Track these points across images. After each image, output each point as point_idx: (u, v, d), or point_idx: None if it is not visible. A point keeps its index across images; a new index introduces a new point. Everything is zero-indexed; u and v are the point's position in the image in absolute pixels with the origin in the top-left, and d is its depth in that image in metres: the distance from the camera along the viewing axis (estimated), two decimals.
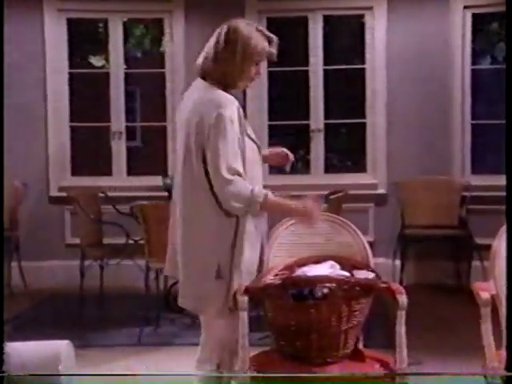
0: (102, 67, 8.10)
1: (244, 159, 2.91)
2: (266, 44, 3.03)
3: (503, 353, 2.79)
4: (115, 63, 6.91)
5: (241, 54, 2.98)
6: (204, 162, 2.89)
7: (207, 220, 2.92)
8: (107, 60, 7.18)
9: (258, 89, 6.68)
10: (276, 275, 2.89)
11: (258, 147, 3.06)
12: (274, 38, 3.05)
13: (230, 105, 2.91)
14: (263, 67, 3.13)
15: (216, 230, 2.91)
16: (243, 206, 2.85)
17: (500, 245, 2.97)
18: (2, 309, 2.69)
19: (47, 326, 5.24)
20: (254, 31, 3.01)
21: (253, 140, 3.02)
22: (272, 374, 2.76)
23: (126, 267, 5.52)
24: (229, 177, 2.83)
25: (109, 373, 4.07)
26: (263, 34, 3.03)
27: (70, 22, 6.90)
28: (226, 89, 2.99)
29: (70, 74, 6.95)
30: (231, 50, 2.98)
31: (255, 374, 2.77)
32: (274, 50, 3.06)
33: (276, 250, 3.09)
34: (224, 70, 2.98)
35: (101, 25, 8.19)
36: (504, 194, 6.42)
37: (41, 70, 6.78)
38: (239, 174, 2.86)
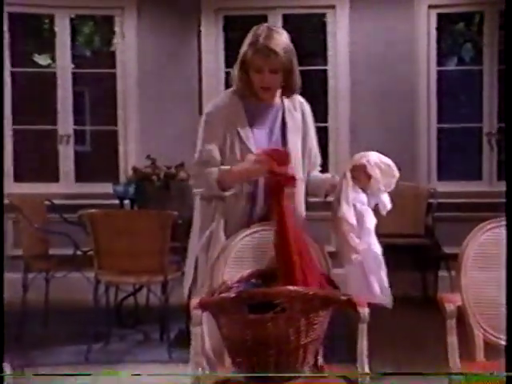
0: (48, 66, 8.00)
1: (231, 154, 3.04)
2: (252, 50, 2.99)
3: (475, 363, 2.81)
4: (62, 62, 6.74)
5: (239, 58, 3.07)
6: None
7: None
8: (53, 59, 7.05)
9: (214, 90, 6.43)
10: (231, 288, 2.79)
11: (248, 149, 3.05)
12: (262, 44, 2.97)
13: (212, 105, 3.14)
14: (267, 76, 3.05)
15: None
16: (205, 188, 3.04)
17: (466, 254, 2.94)
18: (3, 310, 2.65)
19: None
20: (252, 34, 3.00)
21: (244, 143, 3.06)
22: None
23: (74, 280, 5.36)
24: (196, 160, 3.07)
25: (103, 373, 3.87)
26: (257, 39, 2.98)
27: (12, 16, 6.66)
28: (241, 97, 3.06)
29: (13, 73, 6.75)
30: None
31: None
32: (260, 57, 2.98)
33: (231, 263, 3.02)
34: (232, 76, 3.13)
35: (46, 21, 8.05)
36: (471, 200, 6.37)
37: None
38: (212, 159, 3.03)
